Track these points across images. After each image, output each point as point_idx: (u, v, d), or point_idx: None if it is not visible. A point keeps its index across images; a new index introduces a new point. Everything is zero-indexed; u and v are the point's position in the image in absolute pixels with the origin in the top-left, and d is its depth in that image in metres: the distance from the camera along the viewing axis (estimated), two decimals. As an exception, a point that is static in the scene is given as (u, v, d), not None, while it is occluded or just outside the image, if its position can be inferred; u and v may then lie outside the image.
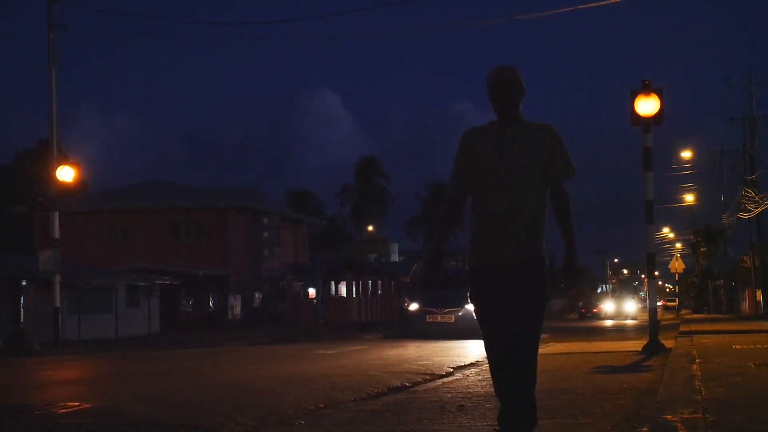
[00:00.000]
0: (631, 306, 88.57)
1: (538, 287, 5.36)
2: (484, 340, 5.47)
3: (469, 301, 5.56)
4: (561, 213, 5.48)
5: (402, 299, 41.00)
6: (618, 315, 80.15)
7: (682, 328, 26.46)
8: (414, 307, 29.83)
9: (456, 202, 5.51)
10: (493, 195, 5.34)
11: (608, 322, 56.83)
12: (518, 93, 5.40)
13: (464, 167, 5.43)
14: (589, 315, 79.97)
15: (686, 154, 59.97)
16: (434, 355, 17.66)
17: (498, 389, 5.46)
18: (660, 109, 16.54)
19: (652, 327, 16.79)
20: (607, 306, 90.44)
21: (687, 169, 63.06)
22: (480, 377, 11.46)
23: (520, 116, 5.46)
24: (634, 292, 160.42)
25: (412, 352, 19.04)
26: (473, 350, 18.90)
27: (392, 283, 54.75)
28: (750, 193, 44.24)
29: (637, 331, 32.46)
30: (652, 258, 17.65)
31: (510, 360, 5.34)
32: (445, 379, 11.47)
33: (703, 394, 7.43)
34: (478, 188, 5.39)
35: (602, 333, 34.24)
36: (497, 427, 5.45)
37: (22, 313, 33.19)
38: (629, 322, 57.49)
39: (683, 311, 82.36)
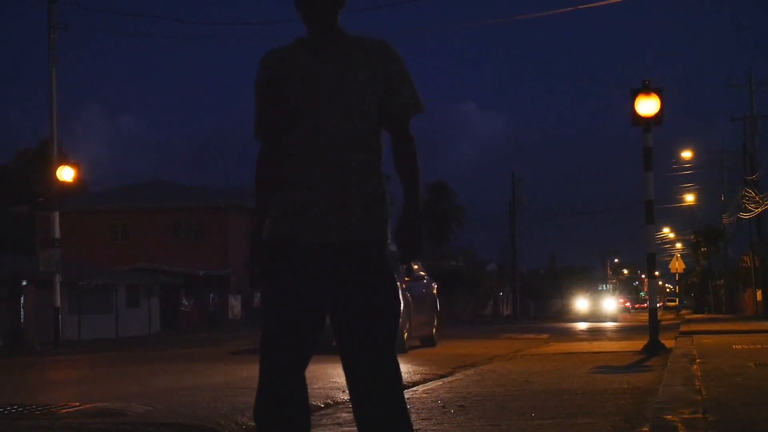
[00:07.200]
0: (610, 305, 73.68)
1: (375, 284, 3.72)
2: (262, 350, 3.75)
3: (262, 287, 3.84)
4: (405, 163, 3.81)
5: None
6: (593, 316, 67.46)
7: (683, 328, 26.46)
8: None
9: (266, 155, 3.91)
10: (304, 144, 3.73)
11: (582, 325, 46.82)
12: None
13: (266, 106, 3.88)
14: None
15: (686, 154, 60.09)
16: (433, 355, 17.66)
17: None
18: (660, 109, 16.59)
19: (652, 327, 16.80)
20: (581, 304, 77.00)
21: (687, 169, 63.20)
22: (480, 377, 11.46)
23: (342, 30, 3.83)
24: (635, 292, 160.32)
25: (410, 351, 19.03)
26: (472, 350, 18.90)
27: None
28: (750, 193, 44.25)
29: (618, 332, 32.11)
30: (653, 258, 17.66)
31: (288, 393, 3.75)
32: (445, 379, 11.46)
33: (704, 394, 7.43)
34: (288, 134, 3.79)
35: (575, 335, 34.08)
36: None
37: (22, 313, 33.19)
38: (608, 324, 47.79)
39: (683, 311, 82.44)
